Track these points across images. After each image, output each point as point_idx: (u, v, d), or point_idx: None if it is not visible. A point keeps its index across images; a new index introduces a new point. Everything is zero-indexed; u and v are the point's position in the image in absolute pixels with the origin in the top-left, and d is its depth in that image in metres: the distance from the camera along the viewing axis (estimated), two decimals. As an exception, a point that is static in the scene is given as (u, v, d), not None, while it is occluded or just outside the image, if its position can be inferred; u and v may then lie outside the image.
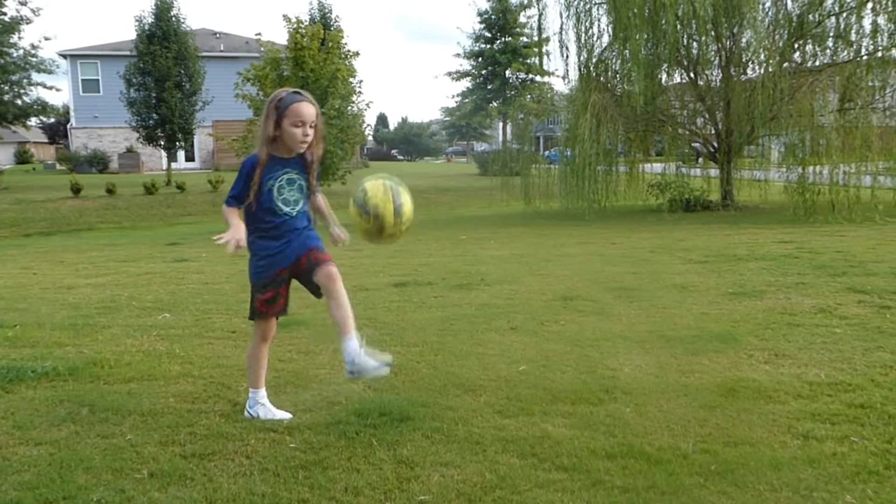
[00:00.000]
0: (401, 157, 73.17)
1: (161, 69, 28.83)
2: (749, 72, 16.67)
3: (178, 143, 31.22)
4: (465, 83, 48.04)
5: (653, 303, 5.78)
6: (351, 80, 17.34)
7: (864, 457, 2.77)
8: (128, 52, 31.57)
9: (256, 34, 19.25)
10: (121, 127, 35.79)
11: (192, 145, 38.72)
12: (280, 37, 19.23)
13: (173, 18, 30.06)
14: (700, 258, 8.42)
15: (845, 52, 15.37)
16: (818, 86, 15.21)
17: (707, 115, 17.82)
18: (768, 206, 16.18)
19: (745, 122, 15.90)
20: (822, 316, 5.12)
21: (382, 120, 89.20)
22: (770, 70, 14.73)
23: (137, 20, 29.62)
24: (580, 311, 5.54)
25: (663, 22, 14.85)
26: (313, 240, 3.30)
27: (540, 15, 18.71)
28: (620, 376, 3.85)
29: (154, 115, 29.53)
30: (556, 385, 3.73)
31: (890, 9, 14.12)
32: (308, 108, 3.17)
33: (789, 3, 15.71)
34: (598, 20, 16.95)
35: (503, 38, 44.51)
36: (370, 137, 69.80)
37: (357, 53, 18.08)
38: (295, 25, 17.04)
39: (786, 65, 15.19)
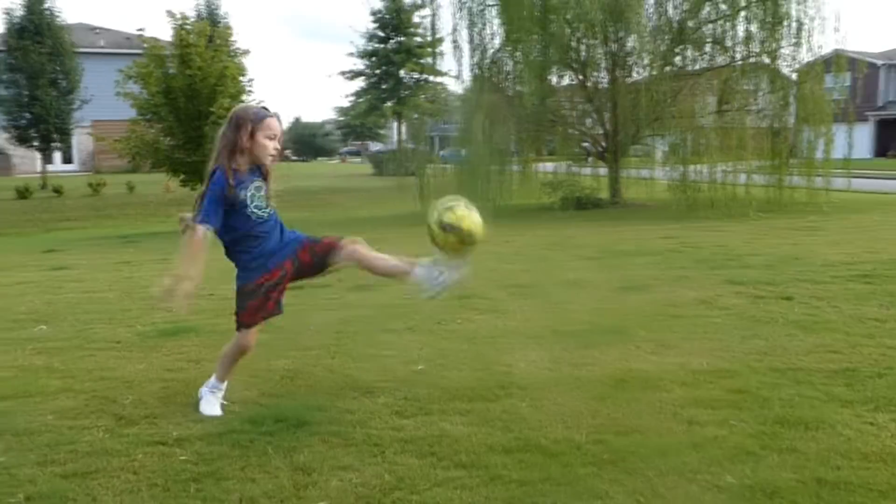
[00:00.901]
0: (294, 158, 71.73)
1: (34, 65, 27.25)
2: (634, 74, 17.34)
3: (53, 144, 29.62)
4: (359, 83, 47.73)
5: (546, 299, 5.92)
6: (241, 78, 16.87)
7: (743, 439, 2.93)
8: (-4, 47, 29.62)
9: (139, 30, 18.48)
10: (-11, 126, 33.47)
11: (70, 146, 36.71)
12: (165, 33, 18.50)
13: (46, 12, 28.49)
14: (591, 254, 8.69)
15: (722, 58, 16.24)
16: (698, 89, 16.07)
17: (595, 116, 18.40)
18: (654, 203, 16.88)
19: (631, 123, 16.54)
20: (704, 307, 5.38)
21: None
22: (653, 73, 15.39)
23: (6, 13, 27.95)
24: (476, 309, 5.59)
25: (553, 25, 15.25)
26: (300, 237, 3.53)
27: (433, 15, 19.13)
28: (516, 372, 3.91)
29: (26, 113, 27.90)
30: (453, 383, 3.75)
31: (761, 17, 15.03)
32: (276, 124, 3.40)
33: (670, 9, 16.43)
34: (491, 22, 17.22)
35: (397, 38, 44.50)
36: (262, 138, 68.03)
37: (247, 52, 17.63)
38: (180, 22, 16.44)
39: (668, 68, 15.89)
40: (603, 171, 18.71)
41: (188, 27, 16.41)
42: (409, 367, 4.06)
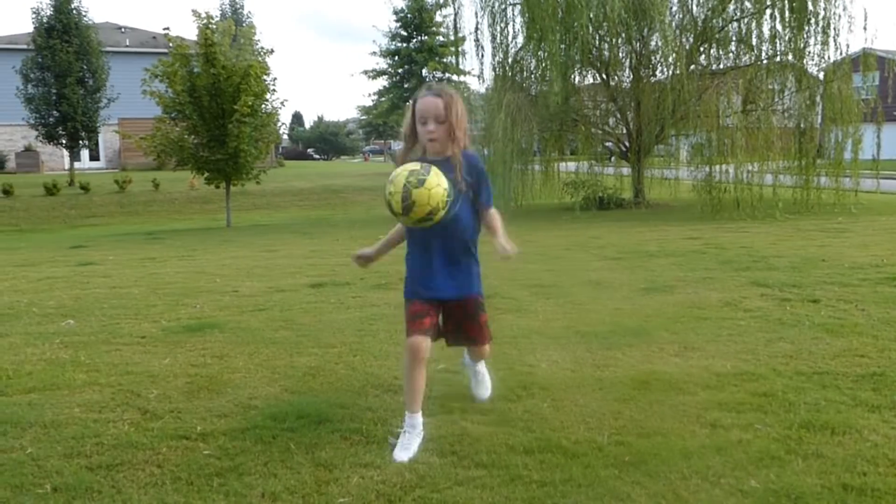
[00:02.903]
0: (317, 157, 72.26)
1: (61, 64, 27.60)
2: (658, 73, 17.26)
3: (81, 142, 29.98)
4: (382, 81, 47.73)
5: (568, 299, 5.89)
6: (265, 77, 17.01)
7: (767, 443, 2.89)
8: (24, 46, 30.05)
9: (164, 29, 18.68)
10: (18, 124, 33.90)
11: (97, 144, 37.16)
12: (190, 32, 18.67)
13: (74, 11, 28.83)
14: (613, 255, 8.64)
15: (747, 56, 16.10)
16: (723, 88, 15.91)
17: (619, 116, 18.32)
18: (677, 203, 16.76)
19: (655, 123, 16.44)
20: (728, 309, 5.33)
21: (298, 118, 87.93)
22: (677, 72, 15.26)
23: (35, 12, 28.29)
24: (498, 308, 5.58)
25: (576, 24, 15.18)
26: (476, 285, 3.22)
27: (455, 14, 19.03)
28: (538, 372, 3.90)
29: (54, 112, 28.26)
30: (475, 382, 3.74)
31: (787, 15, 14.86)
32: (429, 102, 2.94)
33: (695, 7, 16.32)
34: (513, 20, 17.20)
35: (419, 37, 44.53)
36: (285, 136, 68.66)
37: (271, 51, 17.79)
38: (205, 21, 16.61)
39: (692, 67, 15.77)
40: (626, 170, 18.62)
41: (213, 26, 16.57)
42: (430, 366, 4.05)
